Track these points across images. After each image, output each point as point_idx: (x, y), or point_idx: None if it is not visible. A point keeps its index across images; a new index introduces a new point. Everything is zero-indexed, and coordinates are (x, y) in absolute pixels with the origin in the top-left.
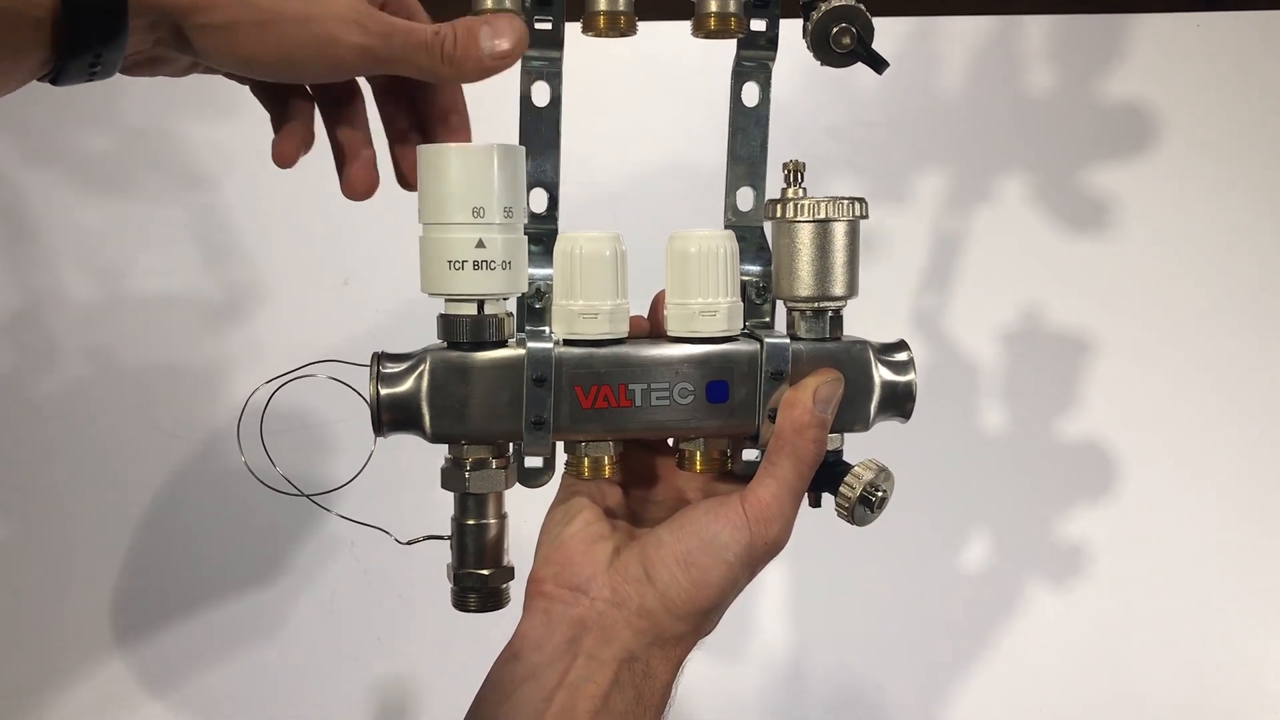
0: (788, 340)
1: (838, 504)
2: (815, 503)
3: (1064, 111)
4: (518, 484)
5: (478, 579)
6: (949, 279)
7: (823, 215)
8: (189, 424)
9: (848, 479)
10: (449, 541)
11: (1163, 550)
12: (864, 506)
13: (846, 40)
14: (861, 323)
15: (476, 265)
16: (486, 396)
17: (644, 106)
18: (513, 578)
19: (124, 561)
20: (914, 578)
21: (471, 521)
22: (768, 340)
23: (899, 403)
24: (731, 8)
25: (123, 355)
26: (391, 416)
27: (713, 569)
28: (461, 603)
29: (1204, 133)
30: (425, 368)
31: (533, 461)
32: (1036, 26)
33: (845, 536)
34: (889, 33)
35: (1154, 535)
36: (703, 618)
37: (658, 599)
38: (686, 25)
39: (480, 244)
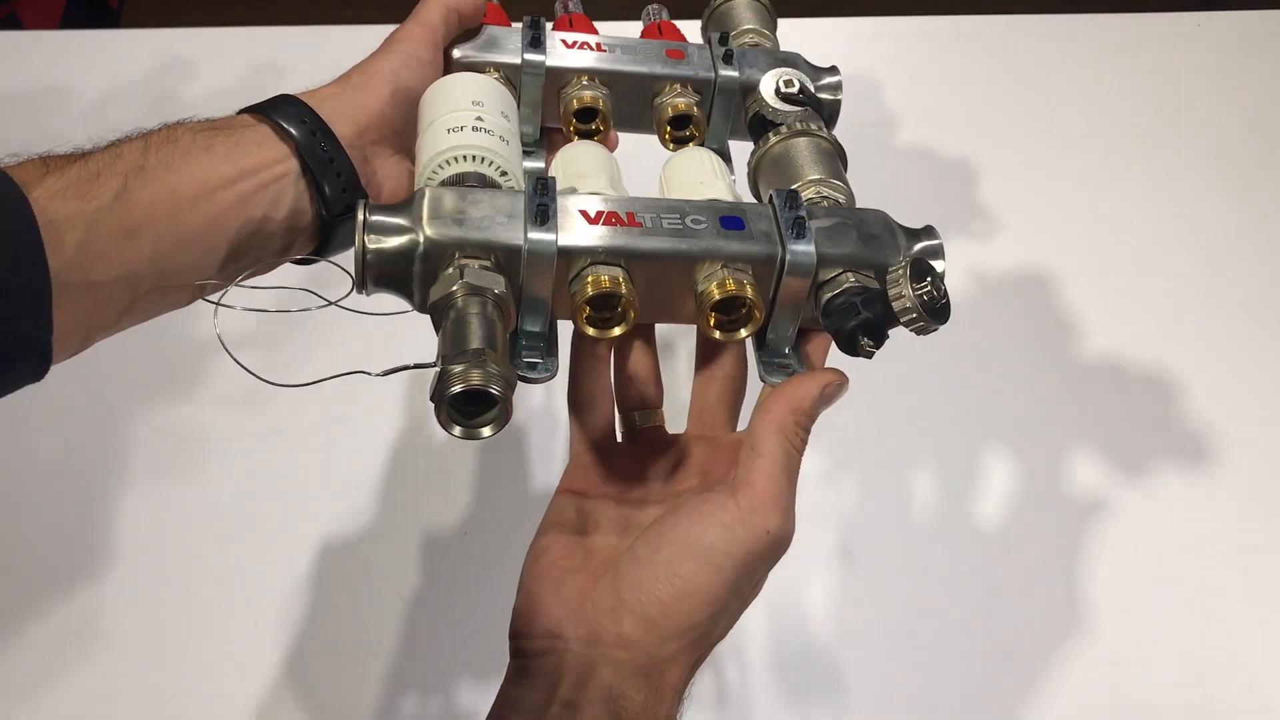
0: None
1: (907, 325)
2: (870, 349)
3: (1064, 111)
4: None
5: (471, 355)
6: (948, 280)
7: (789, 131)
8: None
9: (894, 305)
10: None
11: (1162, 550)
12: (925, 309)
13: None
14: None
15: (475, 129)
16: (486, 218)
17: None
18: (513, 387)
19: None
20: (913, 577)
21: (467, 311)
22: (782, 192)
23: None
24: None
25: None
26: (377, 273)
27: (699, 575)
28: (443, 390)
29: (1204, 133)
30: (419, 240)
31: (532, 325)
32: (1036, 27)
33: (843, 535)
34: (889, 33)
35: (1154, 535)
36: (696, 633)
37: (635, 623)
38: (685, 25)
39: (480, 118)
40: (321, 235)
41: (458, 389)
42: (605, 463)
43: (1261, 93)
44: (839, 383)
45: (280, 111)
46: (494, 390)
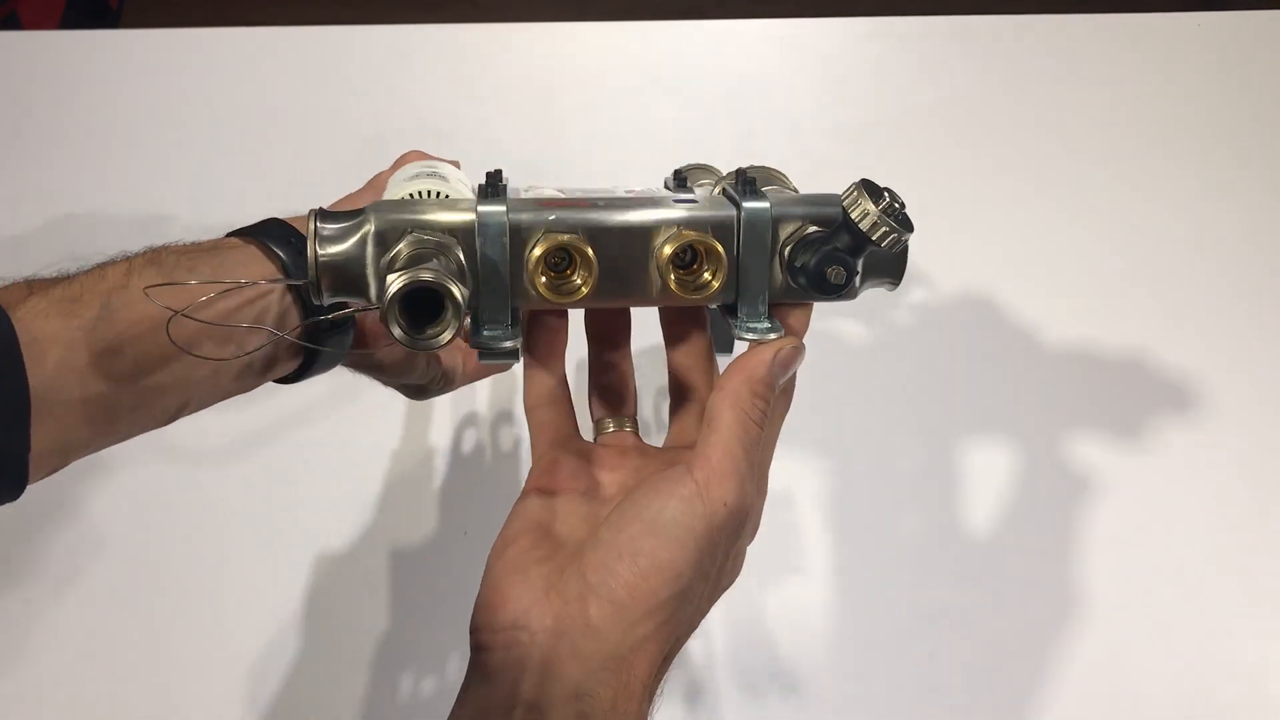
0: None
1: (879, 241)
2: (839, 280)
3: (1064, 111)
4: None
5: (413, 260)
6: (948, 279)
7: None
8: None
9: (861, 225)
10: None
11: (1162, 550)
12: (892, 219)
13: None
14: (864, 323)
15: (430, 175)
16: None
17: (644, 106)
18: (466, 303)
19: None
20: (911, 576)
21: (417, 247)
22: (730, 173)
23: (892, 264)
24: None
25: None
26: (331, 280)
27: (661, 550)
28: (387, 291)
29: (1204, 133)
30: (370, 226)
31: (493, 310)
32: (1036, 26)
33: (838, 531)
34: (890, 33)
35: (1153, 535)
36: (663, 614)
37: (602, 607)
38: (686, 25)
39: (434, 173)
40: (306, 355)
41: (401, 284)
42: (572, 460)
43: (1261, 93)
44: (793, 346)
45: (266, 233)
46: (435, 282)
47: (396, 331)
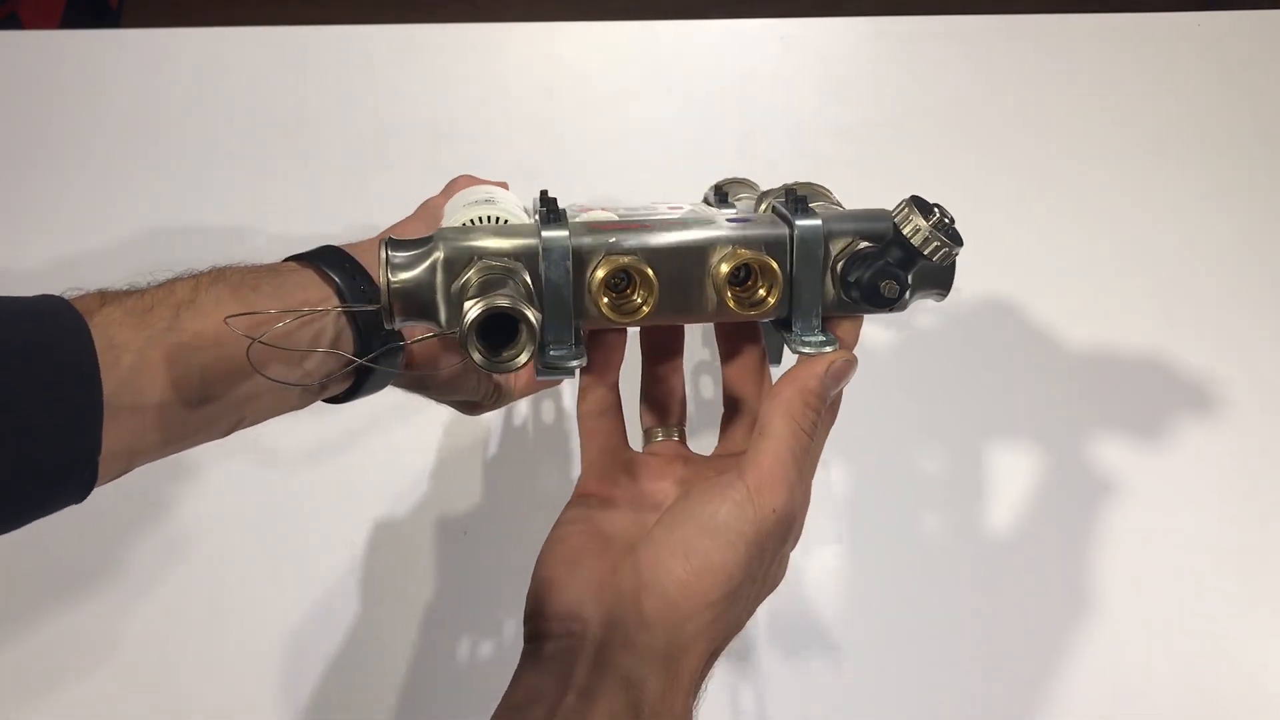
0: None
1: (931, 255)
2: (893, 293)
3: (1064, 111)
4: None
5: (485, 288)
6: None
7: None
8: None
9: (913, 240)
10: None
11: (1162, 550)
12: (942, 234)
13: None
14: (866, 324)
15: (489, 201)
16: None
17: (644, 106)
18: (538, 322)
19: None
20: (914, 575)
21: (488, 275)
22: (779, 191)
23: (940, 275)
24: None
25: None
26: (403, 305)
27: (714, 552)
28: (465, 320)
29: (1204, 133)
30: (439, 254)
31: (557, 329)
32: (1036, 26)
33: (863, 525)
34: (890, 33)
35: (1154, 535)
36: (713, 612)
37: (655, 602)
38: (686, 25)
39: (491, 200)
40: (358, 376)
41: (479, 311)
42: (621, 468)
43: (1261, 93)
44: (845, 359)
45: (323, 258)
46: (511, 308)
47: (477, 356)
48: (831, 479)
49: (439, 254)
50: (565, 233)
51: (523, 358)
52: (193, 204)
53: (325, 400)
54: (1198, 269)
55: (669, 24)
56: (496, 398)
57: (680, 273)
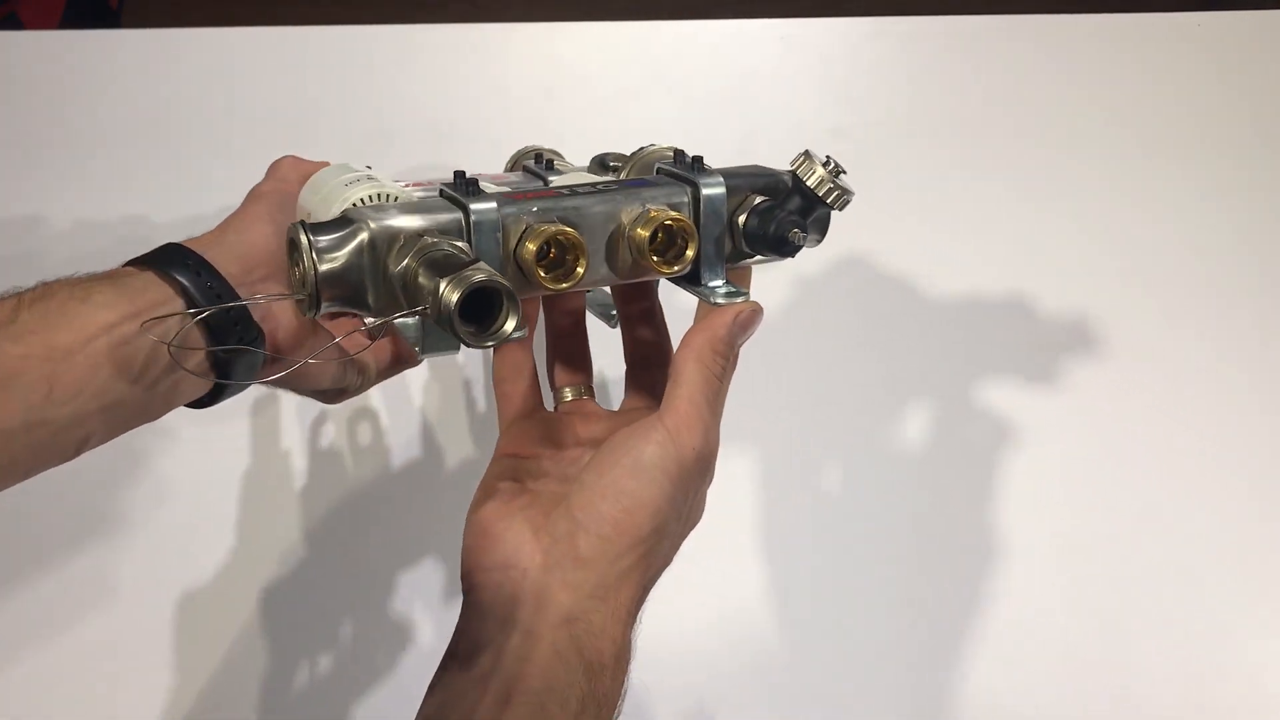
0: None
1: (831, 201)
2: (800, 240)
3: (1064, 111)
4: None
5: (460, 265)
6: (949, 279)
7: None
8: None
9: (813, 186)
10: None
11: (1162, 549)
12: (838, 180)
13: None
14: (866, 326)
15: (370, 179)
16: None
17: (644, 106)
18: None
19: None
20: (909, 575)
21: (439, 248)
22: (669, 155)
23: (820, 223)
24: None
25: None
26: (331, 291)
27: (641, 490)
28: (448, 302)
29: (1204, 133)
30: (364, 235)
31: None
32: (1036, 26)
33: (827, 521)
34: (890, 32)
35: (1153, 534)
36: (645, 546)
37: (590, 541)
38: (686, 25)
39: (370, 176)
40: (216, 372)
41: (462, 292)
42: (539, 428)
43: (1261, 93)
44: (752, 309)
45: (163, 259)
46: (490, 281)
47: (464, 334)
48: (817, 476)
49: (364, 235)
50: (494, 204)
51: (509, 326)
52: (193, 204)
53: (188, 405)
54: (1198, 269)
55: (669, 24)
56: (361, 383)
57: (601, 237)
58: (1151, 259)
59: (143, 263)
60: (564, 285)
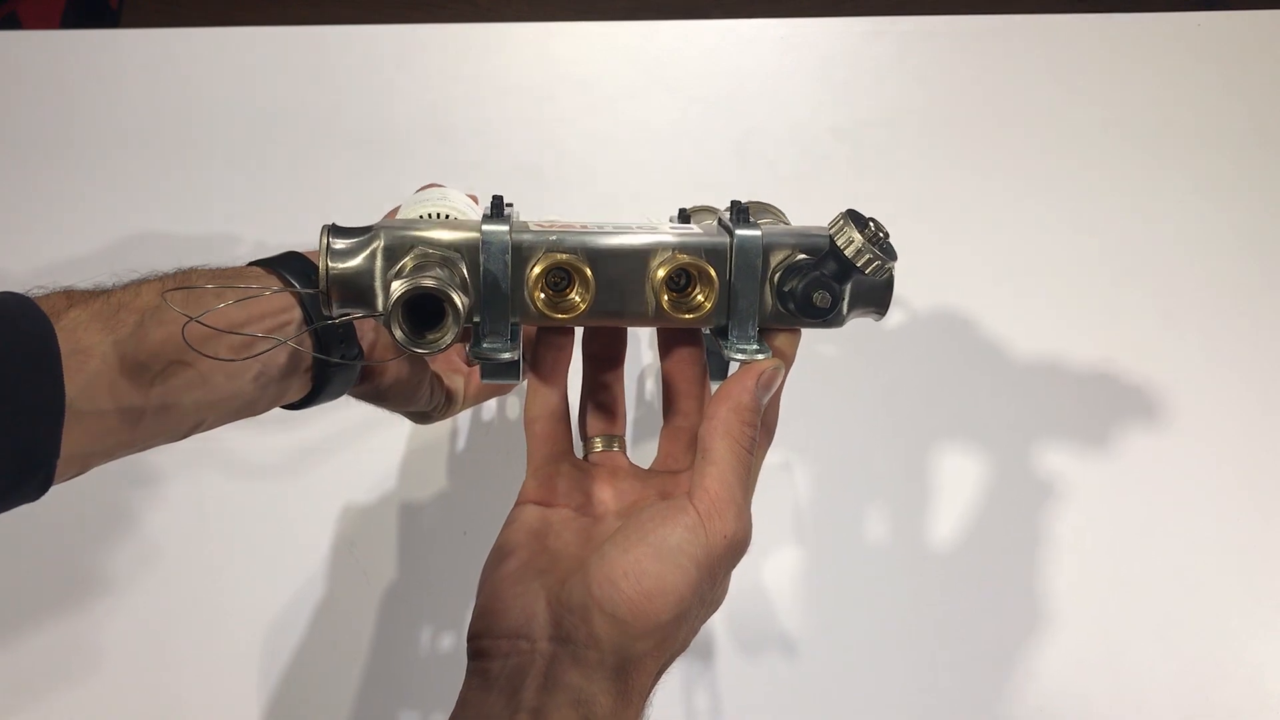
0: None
1: (864, 268)
2: (825, 304)
3: (1064, 111)
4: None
5: (414, 270)
6: (948, 279)
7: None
8: None
9: (847, 252)
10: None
11: (1162, 549)
12: (876, 247)
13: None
14: (865, 325)
15: (440, 199)
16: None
17: (644, 106)
18: (466, 308)
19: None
20: (908, 575)
21: (425, 259)
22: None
23: (878, 294)
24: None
25: None
26: (340, 292)
27: (666, 575)
28: (392, 299)
29: (1204, 133)
30: (379, 242)
31: (495, 326)
32: (1036, 26)
33: (826, 527)
34: (890, 32)
35: (1153, 534)
36: (663, 633)
37: (605, 621)
38: (686, 25)
39: (444, 199)
40: (315, 381)
41: (404, 290)
42: (568, 476)
43: (1261, 93)
44: (773, 367)
45: (287, 266)
46: (436, 289)
47: (398, 334)
48: (795, 480)
49: (379, 242)
50: (506, 228)
51: (446, 339)
52: (193, 204)
53: (284, 407)
54: (1198, 269)
55: (669, 24)
56: (446, 407)
57: (619, 275)
58: (1151, 258)
59: (268, 264)
60: (564, 317)
